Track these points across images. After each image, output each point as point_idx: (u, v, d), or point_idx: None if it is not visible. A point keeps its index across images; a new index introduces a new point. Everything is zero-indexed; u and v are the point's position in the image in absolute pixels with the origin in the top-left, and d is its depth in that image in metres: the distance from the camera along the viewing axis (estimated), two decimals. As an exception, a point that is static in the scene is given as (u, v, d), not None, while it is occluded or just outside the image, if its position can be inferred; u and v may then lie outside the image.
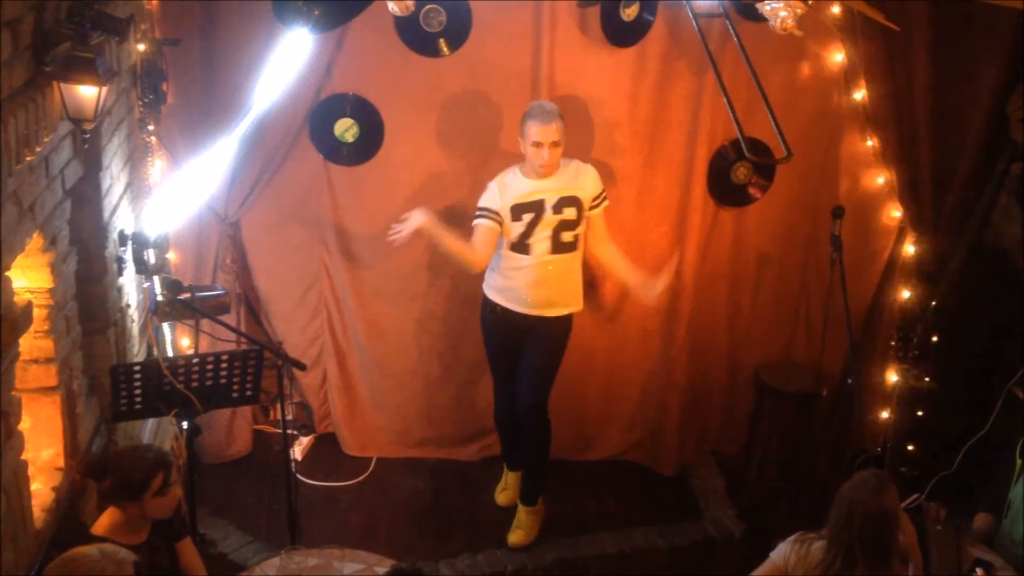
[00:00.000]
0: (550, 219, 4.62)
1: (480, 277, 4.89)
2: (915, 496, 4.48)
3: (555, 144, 4.49)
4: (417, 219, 4.60)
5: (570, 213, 4.64)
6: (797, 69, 5.11)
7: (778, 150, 3.98)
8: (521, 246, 4.67)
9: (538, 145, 4.49)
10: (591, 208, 4.70)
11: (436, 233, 4.64)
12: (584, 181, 4.67)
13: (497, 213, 4.64)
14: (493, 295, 4.84)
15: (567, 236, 4.67)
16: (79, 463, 3.39)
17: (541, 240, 4.64)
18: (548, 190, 4.61)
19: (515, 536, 5.08)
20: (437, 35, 4.81)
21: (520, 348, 4.85)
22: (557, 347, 4.89)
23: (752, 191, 5.36)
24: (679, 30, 4.88)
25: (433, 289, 5.39)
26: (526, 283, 4.71)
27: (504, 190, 4.64)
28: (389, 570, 3.52)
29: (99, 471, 3.34)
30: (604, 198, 4.74)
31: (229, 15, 4.60)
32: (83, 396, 3.73)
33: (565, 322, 4.85)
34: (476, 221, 4.69)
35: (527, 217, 4.62)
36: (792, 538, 3.51)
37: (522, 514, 5.12)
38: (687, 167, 5.20)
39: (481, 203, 4.70)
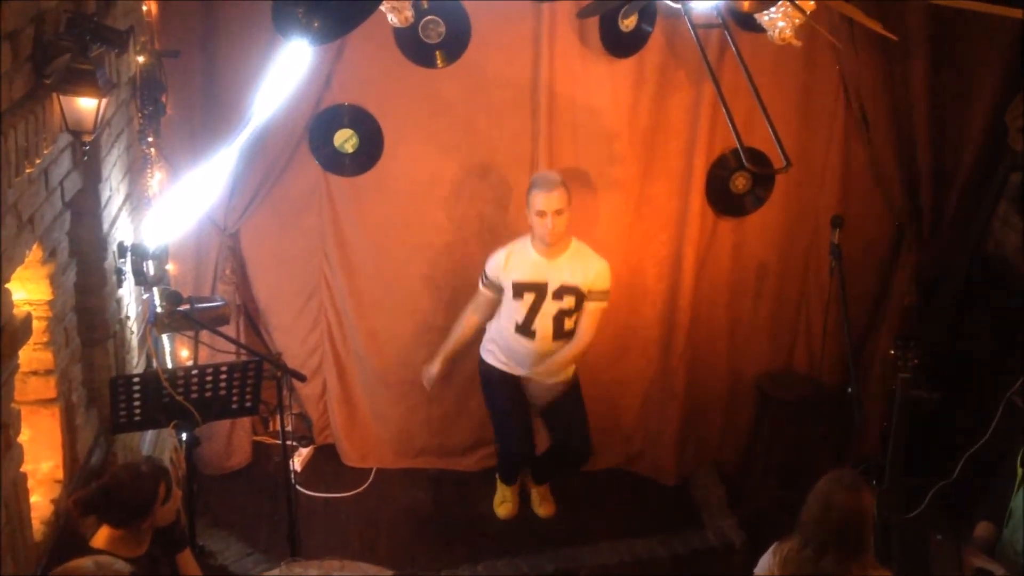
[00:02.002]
0: (551, 305, 4.73)
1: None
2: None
3: (558, 212, 4.56)
4: (430, 375, 5.07)
5: (569, 301, 4.74)
6: (796, 79, 5.12)
7: (777, 160, 4.00)
8: (527, 331, 4.79)
9: (542, 214, 4.56)
10: (590, 299, 4.77)
11: (440, 362, 5.07)
12: (590, 273, 4.74)
13: (494, 283, 4.81)
14: (495, 362, 4.97)
15: (568, 323, 4.79)
16: (72, 503, 3.27)
17: (544, 326, 4.76)
18: (553, 274, 4.72)
19: (545, 508, 5.37)
20: (436, 46, 4.82)
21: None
22: (579, 396, 5.09)
23: (751, 201, 5.37)
24: (677, 40, 4.89)
25: (432, 300, 5.39)
26: (532, 361, 4.87)
27: (510, 260, 4.75)
28: (389, 581, 3.52)
29: (100, 505, 3.26)
30: (607, 299, 4.80)
31: (229, 27, 4.61)
32: (82, 408, 3.73)
33: (573, 377, 5.04)
34: (480, 285, 4.90)
35: (528, 297, 4.73)
36: (771, 550, 3.52)
37: (544, 489, 5.37)
38: (686, 177, 5.20)
39: (487, 268, 4.85)
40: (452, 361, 5.15)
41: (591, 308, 4.78)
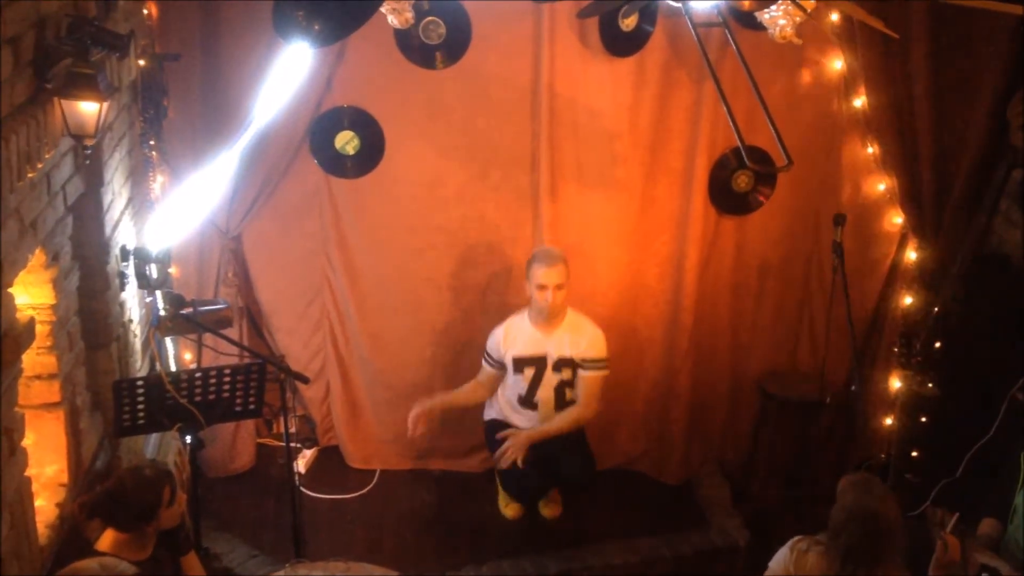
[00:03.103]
0: (551, 378, 4.87)
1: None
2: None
3: (559, 287, 4.68)
4: (416, 414, 4.94)
5: (567, 373, 4.89)
6: (797, 77, 5.12)
7: (779, 158, 3.97)
8: (529, 403, 4.92)
9: (542, 288, 4.69)
10: (584, 368, 4.86)
11: (435, 404, 5.02)
12: (582, 343, 4.85)
13: (498, 361, 4.93)
14: (501, 419, 5.07)
15: (569, 394, 4.92)
16: (77, 507, 3.29)
17: (547, 397, 4.89)
18: (552, 347, 4.83)
19: (550, 510, 5.31)
20: (436, 47, 4.82)
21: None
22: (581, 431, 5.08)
23: (753, 199, 5.36)
24: (678, 39, 4.89)
25: (435, 301, 5.39)
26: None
27: (509, 337, 4.88)
28: (394, 582, 3.51)
29: (105, 508, 3.27)
30: (603, 367, 4.87)
31: (229, 30, 4.61)
32: (86, 412, 3.73)
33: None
34: (483, 362, 5.06)
35: (529, 372, 4.86)
36: (788, 544, 3.51)
37: (554, 492, 5.32)
38: (688, 176, 5.20)
39: (487, 346, 4.97)
40: (440, 413, 5.18)
41: (587, 377, 4.88)
